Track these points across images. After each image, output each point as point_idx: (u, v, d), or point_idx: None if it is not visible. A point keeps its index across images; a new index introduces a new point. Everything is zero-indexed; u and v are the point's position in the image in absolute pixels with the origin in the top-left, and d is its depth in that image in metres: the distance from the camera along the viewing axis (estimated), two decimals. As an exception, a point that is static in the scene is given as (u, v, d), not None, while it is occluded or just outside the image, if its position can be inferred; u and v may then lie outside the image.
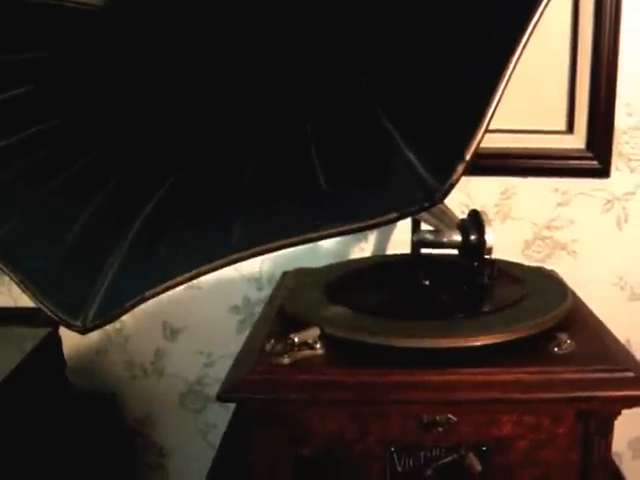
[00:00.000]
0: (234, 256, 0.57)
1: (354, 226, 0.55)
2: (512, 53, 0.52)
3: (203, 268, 0.57)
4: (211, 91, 0.82)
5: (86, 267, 0.63)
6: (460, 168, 0.52)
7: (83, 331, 0.59)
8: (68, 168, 0.72)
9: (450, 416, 0.85)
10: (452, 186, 0.52)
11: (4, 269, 0.65)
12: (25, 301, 1.43)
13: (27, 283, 0.62)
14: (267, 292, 1.47)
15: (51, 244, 0.65)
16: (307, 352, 0.86)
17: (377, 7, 0.75)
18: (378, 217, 0.54)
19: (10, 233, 0.67)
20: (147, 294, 0.58)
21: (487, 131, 0.53)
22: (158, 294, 0.59)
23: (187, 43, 0.85)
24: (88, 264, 0.63)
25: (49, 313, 0.61)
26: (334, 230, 0.56)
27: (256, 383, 0.84)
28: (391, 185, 0.56)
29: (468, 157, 0.52)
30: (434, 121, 0.59)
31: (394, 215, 0.54)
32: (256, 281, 1.48)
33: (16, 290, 1.48)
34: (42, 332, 1.30)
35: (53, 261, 0.64)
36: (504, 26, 0.55)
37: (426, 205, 0.53)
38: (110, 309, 0.59)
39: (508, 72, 0.52)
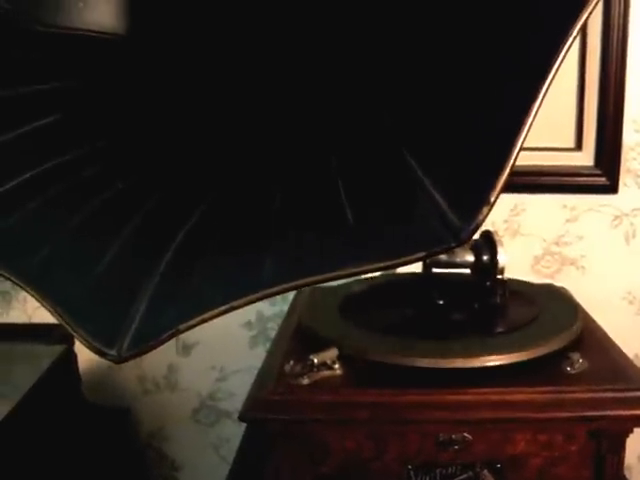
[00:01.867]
0: (266, 291, 0.59)
1: (382, 265, 0.57)
2: (533, 102, 0.54)
3: (236, 303, 0.59)
4: (237, 124, 0.84)
5: (119, 298, 0.64)
6: (485, 210, 0.54)
7: (118, 361, 0.60)
8: (96, 199, 0.74)
9: (466, 435, 0.86)
10: (478, 227, 0.54)
11: (36, 297, 0.66)
12: (40, 317, 1.47)
13: (60, 312, 0.64)
14: (280, 308, 1.48)
15: (83, 274, 0.67)
16: (326, 372, 0.88)
17: (401, 47, 0.77)
18: (406, 256, 0.56)
19: (41, 263, 0.68)
20: (182, 327, 0.60)
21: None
22: (193, 327, 0.60)
23: (214, 73, 0.87)
24: (121, 295, 0.65)
25: (84, 342, 0.62)
26: (363, 268, 0.57)
27: (276, 403, 0.85)
28: (417, 225, 0.58)
29: (493, 199, 0.54)
30: (459, 163, 0.60)
31: (421, 254, 0.55)
32: (269, 297, 1.50)
33: (30, 306, 1.50)
34: (58, 349, 1.31)
35: (85, 291, 0.66)
36: (528, 73, 0.57)
37: (452, 245, 0.55)
38: (145, 340, 0.61)
39: (529, 123, 0.54)
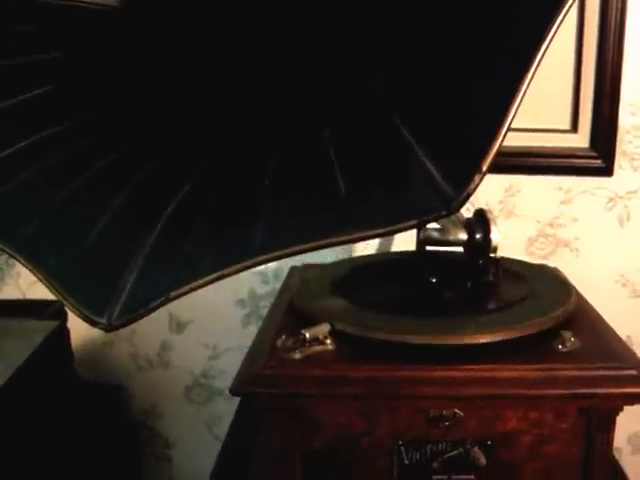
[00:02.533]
0: (257, 259, 0.59)
1: (374, 232, 0.57)
2: (527, 72, 0.54)
3: (226, 270, 0.59)
4: (230, 96, 0.84)
5: (109, 267, 0.64)
6: (477, 179, 0.53)
7: (108, 329, 0.60)
8: (88, 168, 0.73)
9: (456, 411, 0.87)
10: (469, 196, 0.54)
11: (28, 267, 0.66)
12: (33, 294, 1.47)
13: (51, 281, 0.63)
14: (273, 286, 1.49)
15: (74, 243, 0.67)
16: (318, 348, 0.88)
17: (394, 17, 0.77)
18: (397, 224, 0.56)
19: (33, 232, 0.68)
20: (172, 294, 0.60)
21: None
22: (183, 295, 0.60)
23: (206, 45, 0.86)
24: (111, 264, 0.65)
25: (74, 311, 0.62)
26: (355, 236, 0.57)
27: (268, 378, 0.85)
28: (410, 193, 0.58)
29: (485, 168, 0.53)
30: (452, 132, 0.60)
31: (413, 222, 0.55)
32: (262, 275, 1.50)
33: (24, 282, 1.50)
34: (51, 325, 1.31)
35: (76, 260, 0.66)
36: (522, 40, 0.57)
37: (444, 213, 0.55)
38: (135, 308, 0.61)
39: (522, 91, 0.54)
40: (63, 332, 1.34)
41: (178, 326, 1.54)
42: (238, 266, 0.59)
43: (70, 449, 1.26)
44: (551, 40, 0.55)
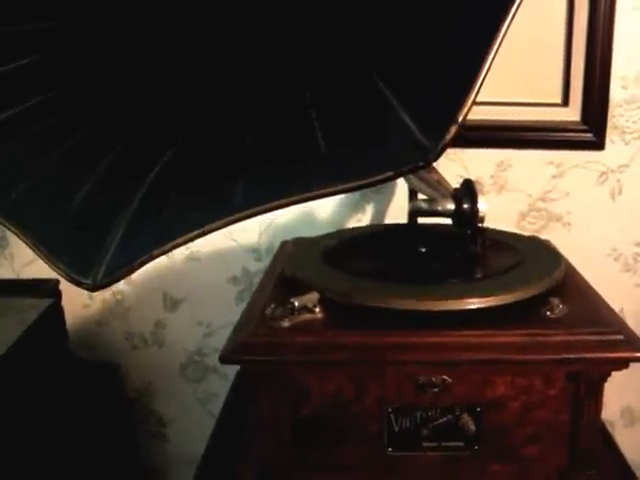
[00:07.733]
0: (237, 215, 0.59)
1: (352, 185, 0.57)
2: (502, 22, 0.54)
3: (207, 227, 0.59)
4: (211, 60, 0.84)
5: (94, 228, 0.65)
6: (453, 129, 0.54)
7: (93, 289, 0.61)
8: (73, 136, 0.74)
9: (445, 377, 0.87)
10: (445, 147, 0.54)
11: (15, 232, 0.66)
12: (27, 273, 1.47)
13: (38, 245, 0.64)
14: (266, 263, 1.49)
15: (59, 208, 0.67)
16: (307, 316, 0.89)
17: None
18: (374, 176, 0.56)
19: (18, 198, 0.68)
20: (155, 252, 0.60)
21: (479, 99, 0.55)
22: (166, 252, 0.61)
23: (186, 17, 0.86)
24: (96, 225, 0.65)
25: (60, 273, 0.63)
26: (333, 189, 0.58)
27: (257, 346, 0.86)
28: (387, 146, 0.58)
29: (460, 119, 0.54)
30: (428, 85, 0.61)
31: (389, 174, 0.56)
32: (255, 252, 1.50)
33: (18, 262, 1.50)
34: (45, 303, 1.31)
35: (62, 223, 0.66)
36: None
37: (420, 164, 0.55)
38: (119, 267, 0.61)
39: (497, 41, 0.54)
40: (57, 310, 1.35)
41: (172, 304, 1.55)
42: (219, 222, 0.59)
43: (65, 428, 1.27)
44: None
